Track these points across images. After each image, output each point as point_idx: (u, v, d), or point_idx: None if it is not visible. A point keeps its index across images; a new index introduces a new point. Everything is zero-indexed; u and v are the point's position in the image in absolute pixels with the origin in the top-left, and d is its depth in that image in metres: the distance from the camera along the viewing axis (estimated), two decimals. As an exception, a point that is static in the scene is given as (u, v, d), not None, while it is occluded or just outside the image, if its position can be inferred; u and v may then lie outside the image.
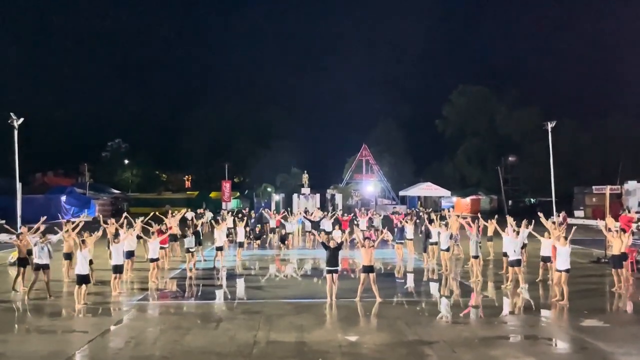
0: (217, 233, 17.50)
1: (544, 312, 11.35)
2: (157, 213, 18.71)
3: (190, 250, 15.98)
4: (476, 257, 14.51)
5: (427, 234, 18.27)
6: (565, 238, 12.04)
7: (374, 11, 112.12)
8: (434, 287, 14.33)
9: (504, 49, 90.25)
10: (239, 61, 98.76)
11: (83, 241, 12.14)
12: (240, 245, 19.79)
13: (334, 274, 12.07)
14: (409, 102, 72.84)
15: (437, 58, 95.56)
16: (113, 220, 17.01)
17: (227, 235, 21.50)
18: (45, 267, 12.55)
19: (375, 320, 10.84)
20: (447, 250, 15.99)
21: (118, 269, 13.09)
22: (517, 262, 13.24)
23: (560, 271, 11.84)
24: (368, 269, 12.09)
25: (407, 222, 20.00)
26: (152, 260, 14.29)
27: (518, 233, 13.85)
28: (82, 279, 11.60)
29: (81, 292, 11.60)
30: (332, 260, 12.14)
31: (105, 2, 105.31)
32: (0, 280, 15.28)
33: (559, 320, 10.89)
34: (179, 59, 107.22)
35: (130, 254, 14.87)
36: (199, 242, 17.75)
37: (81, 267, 11.57)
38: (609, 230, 15.40)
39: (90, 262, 12.56)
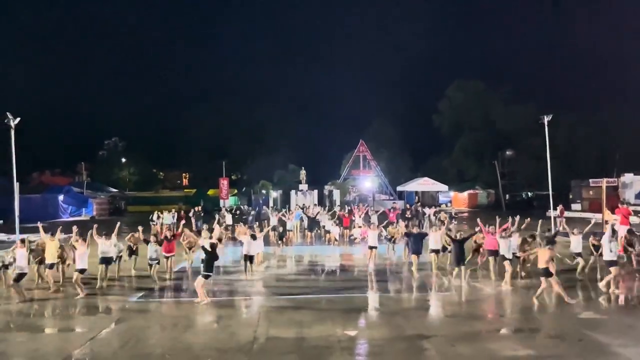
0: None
1: (541, 305, 11.42)
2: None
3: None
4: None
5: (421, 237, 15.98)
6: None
7: (369, 8, 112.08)
8: (431, 281, 14.31)
9: (501, 44, 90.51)
10: (236, 59, 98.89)
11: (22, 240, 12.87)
12: (249, 259, 15.49)
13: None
14: (405, 97, 73.07)
15: (434, 53, 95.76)
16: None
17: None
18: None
19: (374, 315, 10.91)
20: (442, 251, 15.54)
21: (106, 261, 13.75)
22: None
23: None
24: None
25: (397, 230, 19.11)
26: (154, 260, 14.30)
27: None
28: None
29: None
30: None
31: (102, 2, 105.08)
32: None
33: (556, 313, 10.96)
34: (176, 57, 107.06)
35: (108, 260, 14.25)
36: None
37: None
38: (606, 222, 15.53)
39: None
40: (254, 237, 15.80)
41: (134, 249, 15.71)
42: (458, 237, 14.11)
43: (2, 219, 35.52)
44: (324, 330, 9.57)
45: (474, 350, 8.37)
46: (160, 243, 14.74)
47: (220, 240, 16.68)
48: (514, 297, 12.18)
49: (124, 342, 9.15)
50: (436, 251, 15.17)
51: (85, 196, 47.27)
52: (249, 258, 15.39)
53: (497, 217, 14.86)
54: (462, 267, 13.72)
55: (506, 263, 13.20)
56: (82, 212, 44.82)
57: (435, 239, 15.25)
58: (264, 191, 49.20)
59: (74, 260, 13.22)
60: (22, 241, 12.80)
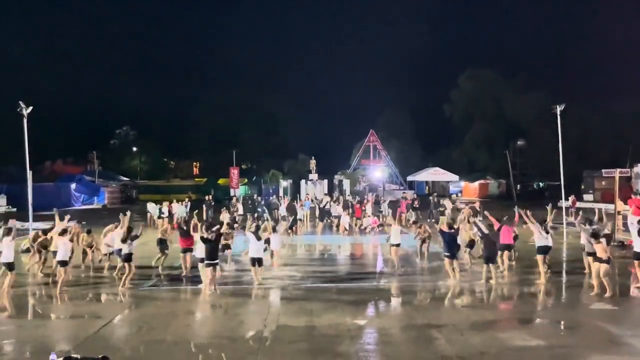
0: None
1: (552, 296, 11.38)
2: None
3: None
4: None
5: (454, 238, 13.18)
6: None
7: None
8: (442, 271, 14.21)
9: (513, 33, 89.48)
10: (246, 49, 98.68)
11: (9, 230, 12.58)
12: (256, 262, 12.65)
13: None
14: (416, 86, 72.75)
15: (445, 42, 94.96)
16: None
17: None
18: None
19: (384, 304, 10.92)
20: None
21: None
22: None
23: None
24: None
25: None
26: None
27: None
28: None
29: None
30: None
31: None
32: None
33: (567, 304, 10.91)
34: (187, 46, 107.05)
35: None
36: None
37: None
38: (618, 213, 15.36)
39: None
40: (266, 239, 13.83)
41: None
42: (490, 232, 12.72)
43: (15, 207, 35.93)
44: (334, 319, 9.60)
45: (484, 340, 8.36)
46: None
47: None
48: (525, 288, 12.10)
49: (137, 328, 9.26)
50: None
51: (97, 185, 47.69)
52: (256, 261, 12.57)
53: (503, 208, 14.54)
54: (492, 266, 12.25)
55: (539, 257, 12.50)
56: (94, 201, 45.22)
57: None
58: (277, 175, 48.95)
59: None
60: (9, 230, 12.55)
